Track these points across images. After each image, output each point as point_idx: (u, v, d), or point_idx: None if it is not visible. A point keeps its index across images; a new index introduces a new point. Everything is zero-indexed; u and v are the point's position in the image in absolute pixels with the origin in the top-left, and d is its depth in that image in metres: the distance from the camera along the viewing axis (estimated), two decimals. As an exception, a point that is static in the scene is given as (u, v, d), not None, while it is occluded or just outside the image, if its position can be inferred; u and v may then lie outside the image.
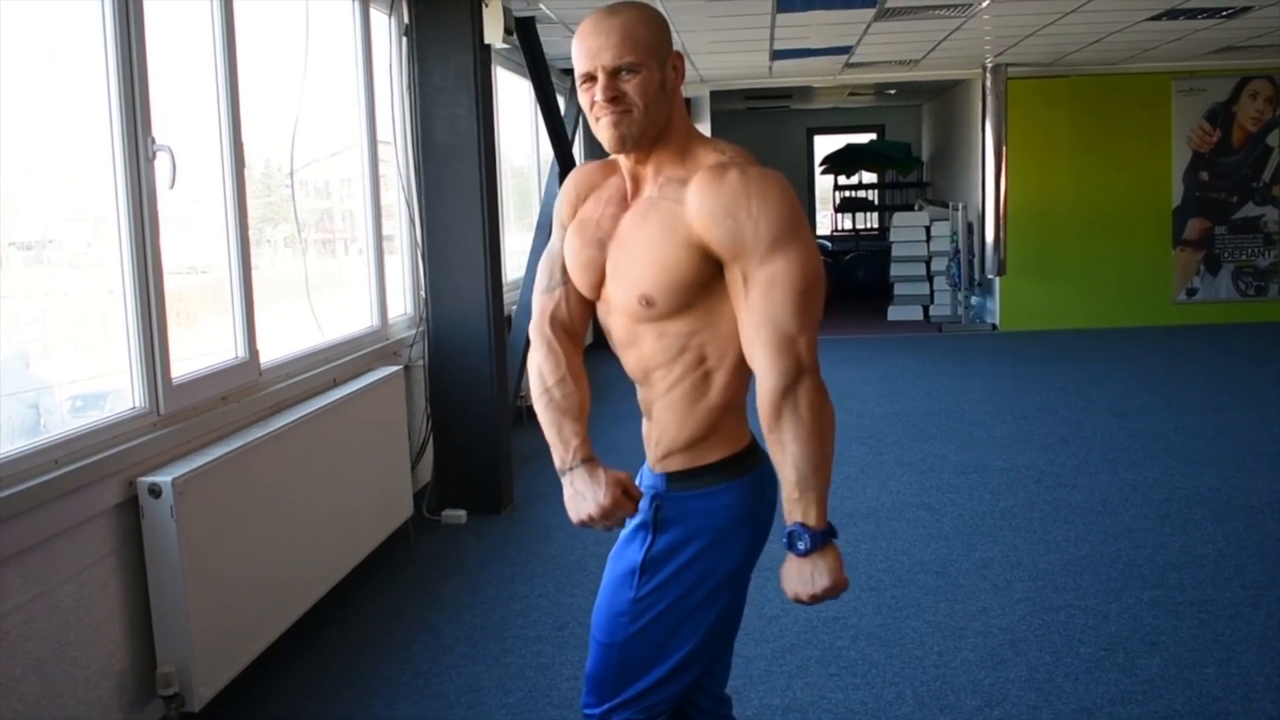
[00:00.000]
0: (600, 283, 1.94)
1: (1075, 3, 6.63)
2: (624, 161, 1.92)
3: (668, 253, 1.80)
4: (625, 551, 2.01)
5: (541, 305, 2.02)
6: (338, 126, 4.87)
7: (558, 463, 1.93)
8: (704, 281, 1.81)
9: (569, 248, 1.98)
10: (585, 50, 1.81)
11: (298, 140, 4.33)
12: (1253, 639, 3.60)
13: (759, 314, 1.76)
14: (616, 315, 1.93)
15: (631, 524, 1.98)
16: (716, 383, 1.88)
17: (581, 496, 1.87)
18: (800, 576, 1.79)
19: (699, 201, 1.78)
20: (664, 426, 1.94)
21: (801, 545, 1.77)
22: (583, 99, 1.84)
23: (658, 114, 1.82)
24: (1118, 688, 3.29)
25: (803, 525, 1.77)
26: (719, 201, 1.77)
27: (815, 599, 1.79)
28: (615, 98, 1.79)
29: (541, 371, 1.99)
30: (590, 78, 1.81)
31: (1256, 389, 7.68)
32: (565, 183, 2.04)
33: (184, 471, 3.06)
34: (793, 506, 1.78)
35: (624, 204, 1.92)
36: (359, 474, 4.26)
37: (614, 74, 1.79)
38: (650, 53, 1.81)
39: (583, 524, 1.89)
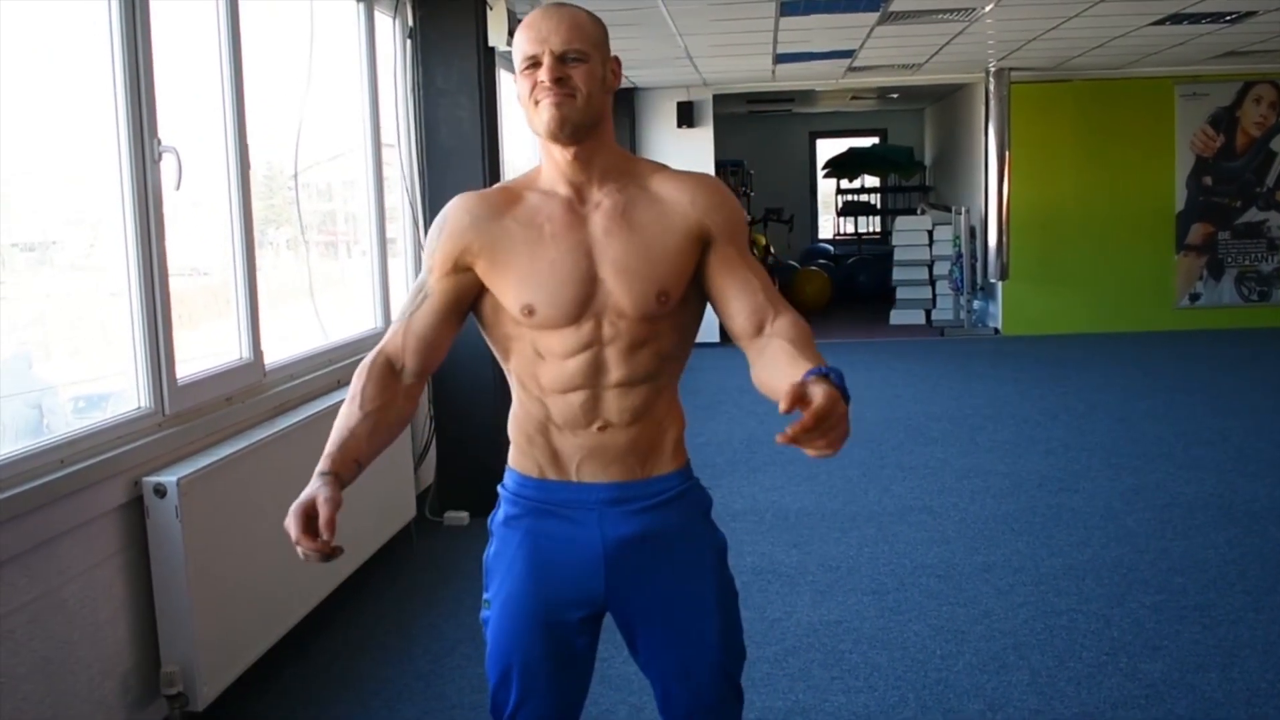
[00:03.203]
0: (588, 296, 1.82)
1: (1079, 7, 6.63)
2: (561, 166, 1.84)
3: (673, 245, 1.85)
4: (694, 565, 1.96)
5: (389, 333, 1.94)
6: (341, 129, 4.87)
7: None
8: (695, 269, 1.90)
9: (523, 270, 1.83)
10: (533, 35, 1.79)
11: (301, 142, 4.33)
12: (1256, 644, 3.60)
13: (756, 282, 1.90)
14: (621, 322, 1.82)
15: (681, 546, 1.95)
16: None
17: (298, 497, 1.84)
18: (839, 411, 1.55)
19: (695, 196, 1.88)
20: (669, 419, 1.95)
21: (843, 385, 1.60)
22: (522, 86, 1.81)
23: (597, 106, 1.82)
24: (1120, 692, 3.30)
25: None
26: (711, 194, 1.90)
27: (838, 439, 1.56)
28: (561, 79, 1.78)
29: (352, 387, 1.97)
30: (535, 62, 1.79)
31: (1259, 394, 7.68)
32: (447, 219, 1.88)
33: (189, 472, 3.06)
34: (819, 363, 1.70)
35: (572, 212, 1.84)
36: (362, 476, 4.24)
37: (561, 59, 1.78)
38: (596, 46, 1.82)
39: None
